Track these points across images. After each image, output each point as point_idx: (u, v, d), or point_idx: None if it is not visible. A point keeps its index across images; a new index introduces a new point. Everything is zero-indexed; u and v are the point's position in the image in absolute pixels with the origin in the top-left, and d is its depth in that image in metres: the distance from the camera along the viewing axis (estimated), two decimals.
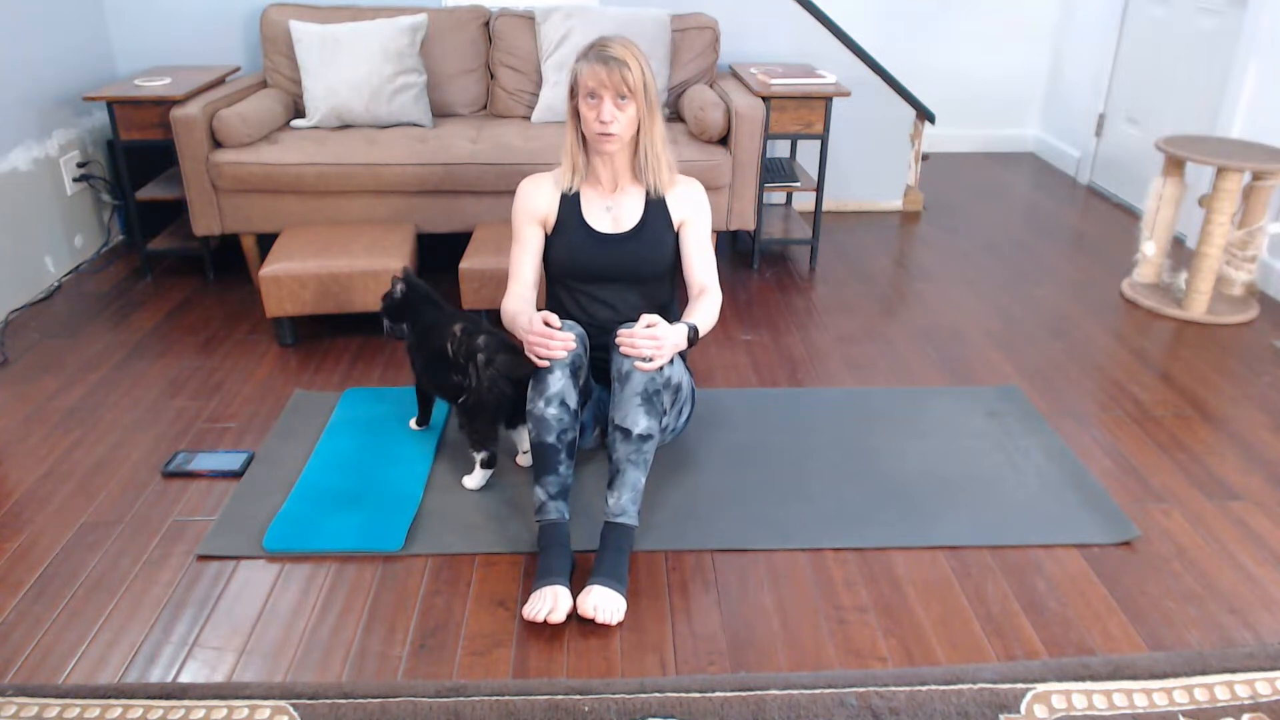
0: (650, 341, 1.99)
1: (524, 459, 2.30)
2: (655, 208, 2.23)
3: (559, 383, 1.98)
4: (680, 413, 2.22)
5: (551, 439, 1.97)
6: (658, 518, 2.12)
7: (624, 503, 1.93)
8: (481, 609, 1.86)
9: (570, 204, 2.24)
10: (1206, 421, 2.56)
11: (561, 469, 1.97)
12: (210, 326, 3.07)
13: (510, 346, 2.13)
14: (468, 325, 2.19)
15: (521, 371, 2.07)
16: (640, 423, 1.96)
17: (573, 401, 2.00)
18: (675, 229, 2.26)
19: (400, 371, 2.78)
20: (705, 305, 2.19)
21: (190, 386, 2.69)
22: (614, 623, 1.80)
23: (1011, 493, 2.22)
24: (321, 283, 2.82)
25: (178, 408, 2.58)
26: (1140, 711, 1.60)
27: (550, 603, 1.80)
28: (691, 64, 3.67)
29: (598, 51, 2.06)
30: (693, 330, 2.10)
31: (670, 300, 2.36)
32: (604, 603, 1.80)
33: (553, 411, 1.97)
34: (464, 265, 2.88)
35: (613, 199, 2.23)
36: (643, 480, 1.97)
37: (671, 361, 2.05)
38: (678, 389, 2.13)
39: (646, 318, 2.03)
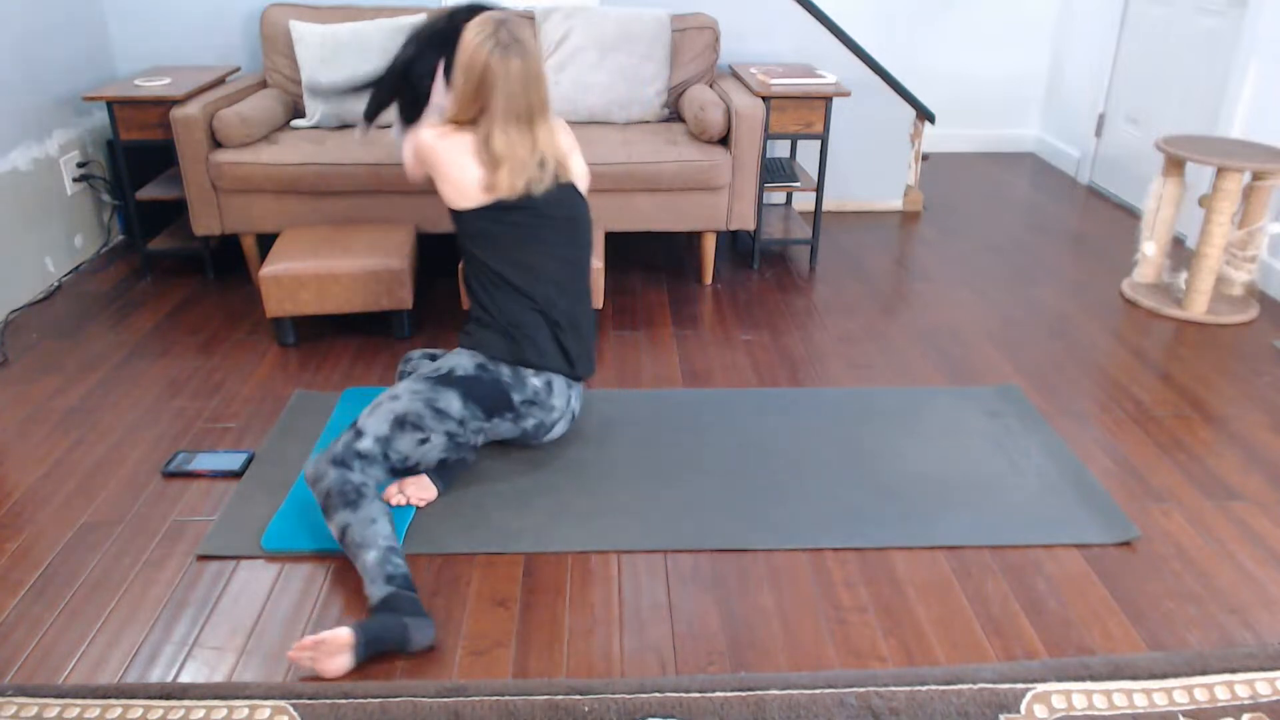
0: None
1: None
2: None
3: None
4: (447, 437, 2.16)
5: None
6: (657, 518, 2.12)
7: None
8: (481, 609, 1.86)
9: None
10: (1206, 421, 2.56)
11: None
12: (210, 326, 3.07)
13: None
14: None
15: None
16: (307, 466, 2.01)
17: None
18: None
19: None
20: None
21: (190, 386, 2.69)
22: None
23: (1011, 493, 2.22)
24: (321, 283, 2.82)
25: (178, 408, 2.58)
26: (1140, 711, 1.60)
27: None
28: (691, 64, 3.67)
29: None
30: None
31: (470, 267, 2.27)
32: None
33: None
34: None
35: None
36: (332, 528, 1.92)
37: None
38: (428, 417, 2.10)
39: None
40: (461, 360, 2.18)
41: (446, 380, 2.13)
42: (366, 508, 1.91)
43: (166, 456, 2.35)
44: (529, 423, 2.23)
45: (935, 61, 4.88)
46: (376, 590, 1.79)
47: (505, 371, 2.18)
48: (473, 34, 2.12)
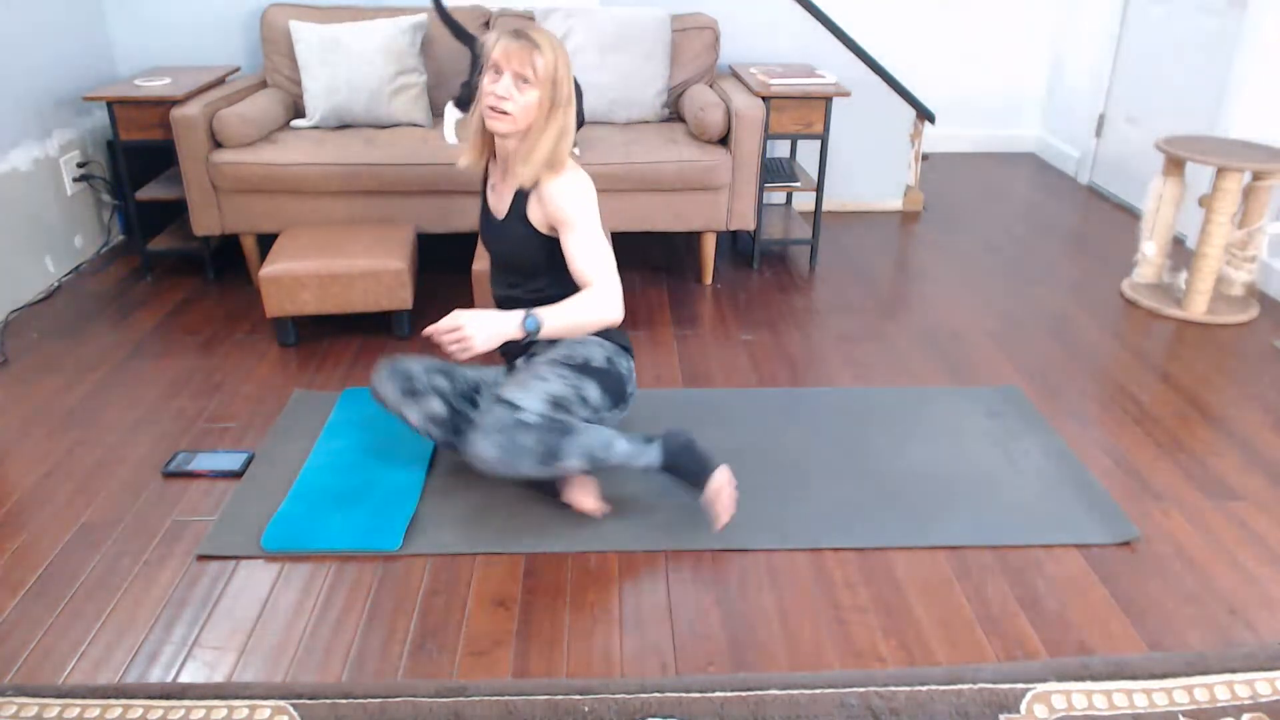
0: (451, 340, 1.91)
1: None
2: (518, 202, 2.12)
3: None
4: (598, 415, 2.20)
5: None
6: (658, 518, 2.12)
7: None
8: (481, 609, 1.86)
9: (483, 177, 2.28)
10: (1206, 421, 2.56)
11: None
12: (210, 326, 3.07)
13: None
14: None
15: None
16: (483, 452, 1.95)
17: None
18: (537, 229, 2.11)
19: None
20: (575, 298, 2.02)
21: (190, 386, 2.69)
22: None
23: (1011, 493, 2.22)
24: (321, 283, 2.82)
25: (178, 408, 2.58)
26: (1140, 711, 1.60)
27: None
28: (691, 64, 3.67)
29: (517, 31, 2.00)
30: (532, 319, 1.95)
31: (559, 297, 2.07)
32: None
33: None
34: (477, 267, 2.88)
35: (501, 181, 2.17)
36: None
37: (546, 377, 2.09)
38: (575, 403, 2.11)
39: (452, 316, 1.93)
40: (593, 351, 2.19)
41: (585, 370, 2.14)
42: (586, 431, 2.02)
43: (166, 456, 2.35)
44: (621, 416, 2.28)
45: (935, 61, 4.88)
46: (653, 455, 2.06)
47: (624, 364, 2.23)
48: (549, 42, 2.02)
